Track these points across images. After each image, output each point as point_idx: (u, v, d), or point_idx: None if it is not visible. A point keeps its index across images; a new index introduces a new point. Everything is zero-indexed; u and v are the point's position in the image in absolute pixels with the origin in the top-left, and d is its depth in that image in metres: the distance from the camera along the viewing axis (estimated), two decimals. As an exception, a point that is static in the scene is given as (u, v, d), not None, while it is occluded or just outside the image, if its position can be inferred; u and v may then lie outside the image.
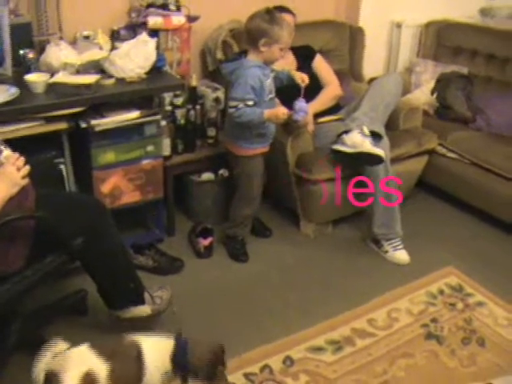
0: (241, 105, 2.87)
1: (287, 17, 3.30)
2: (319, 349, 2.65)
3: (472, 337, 2.77)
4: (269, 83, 2.97)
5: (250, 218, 3.34)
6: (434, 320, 2.87)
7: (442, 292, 3.07)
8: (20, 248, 2.15)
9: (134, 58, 2.89)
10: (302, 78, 3.03)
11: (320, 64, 3.60)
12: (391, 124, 3.50)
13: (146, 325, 2.64)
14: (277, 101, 3.17)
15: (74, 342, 2.50)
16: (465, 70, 4.26)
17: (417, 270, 3.22)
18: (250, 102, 2.87)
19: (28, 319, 2.53)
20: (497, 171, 3.53)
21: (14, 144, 2.30)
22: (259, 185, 3.20)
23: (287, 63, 3.27)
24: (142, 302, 2.61)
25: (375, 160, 3.10)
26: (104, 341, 2.22)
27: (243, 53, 3.03)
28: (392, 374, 2.54)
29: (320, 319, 2.83)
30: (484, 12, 4.83)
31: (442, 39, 4.50)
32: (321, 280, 3.15)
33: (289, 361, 2.57)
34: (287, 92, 3.11)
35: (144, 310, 2.61)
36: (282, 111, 2.89)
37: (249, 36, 2.93)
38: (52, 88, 2.75)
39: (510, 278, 3.19)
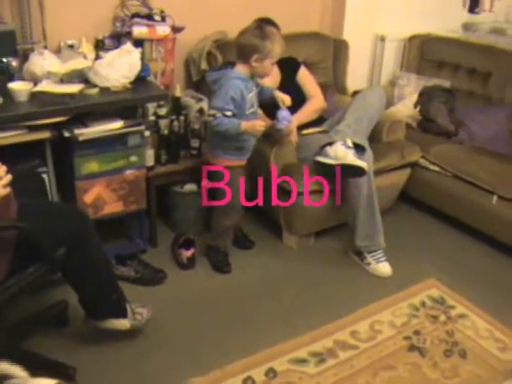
0: (219, 114, 2.87)
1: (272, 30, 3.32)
2: (302, 361, 2.64)
3: (454, 349, 2.77)
4: (251, 97, 2.97)
5: (231, 229, 3.33)
6: (416, 332, 2.87)
7: (424, 304, 3.07)
8: (1, 259, 2.12)
9: (119, 68, 2.88)
10: (283, 100, 3.05)
11: (304, 76, 3.62)
12: (374, 136, 3.51)
13: (125, 336, 2.65)
14: (260, 113, 3.18)
15: (56, 354, 2.52)
16: (447, 84, 4.31)
17: (399, 282, 3.23)
18: (229, 113, 2.87)
19: (8, 331, 2.51)
20: (479, 184, 3.54)
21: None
22: (238, 196, 3.19)
23: (272, 75, 3.26)
24: (122, 315, 2.59)
25: (358, 172, 3.11)
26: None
27: (230, 64, 3.03)
28: (375, 386, 2.54)
29: (303, 331, 2.82)
30: (466, 27, 4.89)
31: (425, 53, 4.54)
32: (303, 292, 3.14)
33: (271, 373, 2.56)
34: (270, 102, 3.12)
35: (123, 323, 2.60)
36: (259, 123, 2.89)
37: (240, 51, 2.92)
38: (35, 97, 2.73)
39: (492, 289, 3.21)
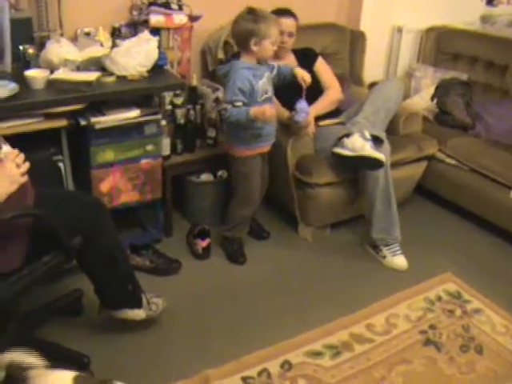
0: (229, 106, 2.87)
1: (288, 20, 3.30)
2: (317, 353, 2.63)
3: (470, 344, 2.76)
4: (262, 84, 2.94)
5: (247, 220, 3.32)
6: (432, 326, 2.85)
7: (440, 298, 3.05)
8: (18, 246, 2.12)
9: (136, 56, 2.86)
10: (304, 78, 3.01)
11: (322, 67, 3.59)
12: (391, 129, 3.48)
13: (140, 326, 2.64)
14: (276, 101, 3.15)
15: (70, 343, 2.52)
16: (464, 77, 4.27)
17: (415, 275, 3.21)
18: (239, 103, 2.86)
19: (23, 319, 2.50)
20: (495, 178, 3.52)
21: (13, 140, 2.28)
22: (257, 186, 3.18)
23: (289, 64, 3.24)
24: (138, 305, 2.58)
25: (376, 164, 3.09)
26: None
27: (236, 55, 3.02)
28: (390, 380, 2.52)
29: (318, 324, 2.80)
30: (484, 19, 4.85)
31: (442, 45, 4.51)
32: (319, 284, 3.13)
33: (287, 365, 2.55)
34: (288, 93, 3.10)
35: (139, 313, 2.59)
36: (268, 108, 2.85)
37: (238, 40, 2.95)
38: (52, 84, 2.71)
39: (508, 285, 3.18)
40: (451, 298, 3.06)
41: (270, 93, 3.02)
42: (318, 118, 3.42)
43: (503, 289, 3.14)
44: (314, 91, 3.44)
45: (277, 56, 3.28)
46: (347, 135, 3.13)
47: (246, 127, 2.96)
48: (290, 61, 3.44)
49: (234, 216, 3.27)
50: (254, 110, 2.83)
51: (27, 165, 2.07)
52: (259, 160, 3.13)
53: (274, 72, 3.05)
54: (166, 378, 2.44)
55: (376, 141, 3.15)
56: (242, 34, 2.89)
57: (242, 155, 3.09)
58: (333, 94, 3.58)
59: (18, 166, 2.05)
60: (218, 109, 3.34)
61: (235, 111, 2.87)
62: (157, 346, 2.62)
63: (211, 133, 3.38)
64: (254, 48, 2.88)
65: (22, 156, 2.08)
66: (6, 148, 2.14)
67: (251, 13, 2.88)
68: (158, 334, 2.69)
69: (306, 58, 3.53)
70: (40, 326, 2.64)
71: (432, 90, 4.10)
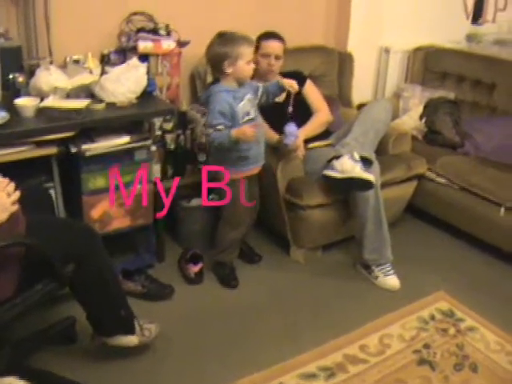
0: (211, 130, 2.87)
1: (275, 43, 3.33)
2: (312, 376, 2.62)
3: (464, 362, 2.75)
4: (242, 105, 2.93)
5: (236, 243, 3.31)
6: (426, 346, 2.85)
7: (433, 317, 3.06)
8: (10, 275, 2.11)
9: (125, 83, 2.88)
10: (291, 84, 3.01)
11: (310, 89, 3.62)
12: (380, 149, 3.51)
13: (133, 352, 2.63)
14: (265, 124, 3.15)
15: (63, 371, 2.50)
16: (452, 95, 4.31)
17: (408, 295, 3.21)
18: (220, 127, 2.85)
19: (16, 348, 2.49)
20: (485, 196, 3.54)
21: (4, 168, 2.28)
22: (245, 209, 3.17)
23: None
24: (131, 331, 2.57)
25: (366, 185, 3.10)
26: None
27: (217, 80, 3.02)
28: (385, 400, 2.52)
29: (312, 345, 2.80)
30: (470, 37, 4.90)
31: (429, 64, 4.56)
32: (312, 306, 3.13)
33: (281, 388, 2.55)
34: (277, 116, 3.11)
35: (132, 340, 2.58)
36: (248, 128, 2.82)
37: (212, 65, 2.97)
38: (42, 112, 2.72)
39: (501, 302, 3.19)
40: (444, 317, 3.06)
41: (253, 114, 3.00)
42: (307, 140, 3.44)
43: (496, 306, 3.14)
44: (304, 114, 3.47)
45: (265, 79, 3.30)
46: (337, 157, 3.15)
47: (231, 150, 2.95)
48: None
49: (222, 239, 3.27)
50: (234, 132, 2.83)
51: (18, 193, 2.07)
52: (247, 183, 3.12)
53: (260, 93, 3.05)
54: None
55: (366, 162, 3.16)
56: (215, 59, 2.90)
57: (232, 178, 3.09)
58: (322, 116, 3.61)
59: (8, 194, 2.05)
60: (204, 134, 3.36)
61: (218, 135, 2.86)
62: (151, 372, 2.61)
63: (201, 157, 3.39)
64: (229, 70, 2.88)
65: (12, 184, 2.08)
66: (-3, 177, 2.14)
67: (221, 36, 2.90)
68: (151, 360, 2.67)
69: (294, 80, 3.56)
70: (33, 354, 2.62)
71: (420, 109, 4.13)
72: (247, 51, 2.88)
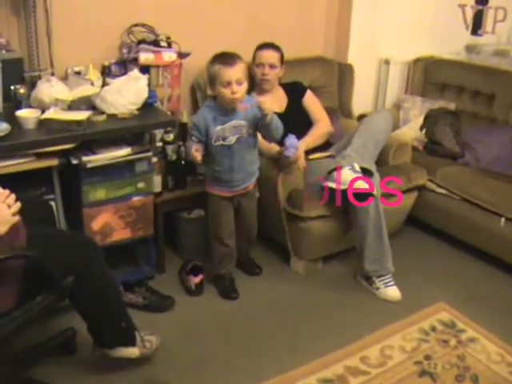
0: (187, 140, 2.96)
1: (268, 52, 3.34)
2: (313, 388, 2.63)
3: (466, 374, 2.74)
4: (220, 129, 2.89)
5: (228, 256, 3.29)
6: (427, 357, 2.84)
7: (434, 328, 3.05)
8: (10, 288, 2.11)
9: (126, 94, 2.89)
10: (264, 104, 2.85)
11: (310, 100, 3.63)
12: (381, 160, 3.52)
13: (134, 364, 2.63)
14: (261, 139, 3.13)
15: (63, 383, 2.50)
16: (452, 106, 4.32)
17: (408, 306, 3.21)
18: (193, 138, 2.91)
19: (16, 360, 2.49)
20: (486, 206, 3.54)
21: (4, 180, 2.28)
22: (226, 227, 3.17)
23: (278, 100, 3.27)
24: (132, 343, 2.57)
25: (366, 196, 3.10)
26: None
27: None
28: (386, 412, 2.52)
29: (312, 357, 2.79)
30: (469, 48, 4.91)
31: (429, 75, 4.57)
32: (312, 317, 3.12)
33: (282, 400, 2.54)
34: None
35: (133, 351, 2.58)
36: (194, 153, 2.82)
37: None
38: (43, 124, 2.73)
39: (502, 312, 3.18)
40: (445, 328, 3.06)
41: (230, 141, 2.91)
42: (308, 152, 3.45)
43: (497, 317, 3.14)
44: (304, 125, 3.48)
45: (264, 90, 3.32)
46: (337, 168, 3.15)
47: (206, 165, 3.02)
48: (279, 95, 3.48)
49: (213, 253, 3.28)
50: (193, 150, 2.83)
51: (18, 205, 2.07)
52: (227, 202, 3.12)
53: (250, 122, 2.93)
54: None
55: (366, 173, 3.16)
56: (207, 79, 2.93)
57: (209, 191, 3.13)
58: (322, 127, 3.62)
59: (9, 206, 2.05)
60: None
61: (189, 145, 2.91)
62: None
63: (202, 169, 3.39)
64: (209, 92, 2.91)
65: (13, 196, 2.08)
66: (-3, 189, 2.14)
67: (213, 57, 2.89)
68: (152, 372, 2.67)
69: (294, 91, 3.58)
70: (33, 366, 2.62)
71: (421, 120, 4.13)
72: (222, 72, 2.79)
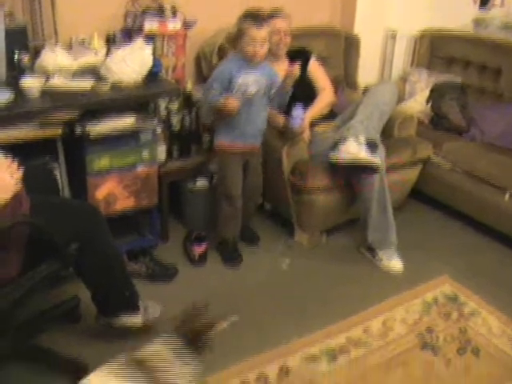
0: (206, 89, 2.99)
1: (277, 21, 3.31)
2: (315, 358, 2.63)
3: (467, 347, 2.76)
4: (243, 79, 2.95)
5: (234, 218, 3.31)
6: (429, 329, 2.86)
7: (436, 301, 3.06)
8: (14, 256, 2.11)
9: (130, 64, 2.87)
10: (292, 72, 3.06)
11: (315, 68, 3.59)
12: (386, 132, 3.49)
13: (137, 332, 2.63)
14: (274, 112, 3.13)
15: (68, 350, 2.51)
16: (458, 80, 4.28)
17: (411, 279, 3.22)
18: (214, 90, 2.94)
19: (21, 328, 2.49)
20: (490, 181, 3.53)
21: (8, 149, 2.27)
22: (235, 185, 3.19)
23: (283, 68, 3.24)
24: (135, 311, 2.58)
25: (371, 169, 3.10)
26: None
27: None
28: (388, 383, 2.53)
29: (315, 328, 2.81)
30: (477, 22, 4.86)
31: (435, 49, 4.52)
32: (315, 289, 3.14)
33: (284, 370, 2.55)
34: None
35: (136, 320, 2.59)
36: (231, 101, 2.90)
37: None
38: (47, 93, 2.72)
39: (505, 287, 3.19)
40: (448, 301, 3.07)
41: (253, 92, 2.99)
42: (313, 123, 3.43)
43: (500, 291, 3.15)
44: (308, 94, 3.46)
45: (273, 56, 3.29)
46: (342, 140, 3.14)
47: (219, 118, 3.05)
48: (284, 63, 3.43)
49: (219, 214, 3.29)
50: (222, 99, 2.91)
51: (20, 173, 2.07)
52: (238, 159, 3.15)
53: (274, 88, 3.08)
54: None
55: (371, 145, 3.15)
56: (234, 32, 2.98)
57: (220, 148, 3.14)
58: (326, 96, 3.59)
59: (11, 174, 2.05)
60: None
61: (209, 95, 2.97)
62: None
63: (206, 138, 3.39)
64: (237, 46, 2.95)
65: (15, 164, 2.08)
66: (-1, 157, 2.13)
67: (244, 13, 2.95)
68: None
69: (299, 58, 3.53)
70: (38, 334, 2.63)
71: (426, 93, 4.11)
72: (249, 32, 2.88)
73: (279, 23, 3.31)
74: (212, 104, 2.98)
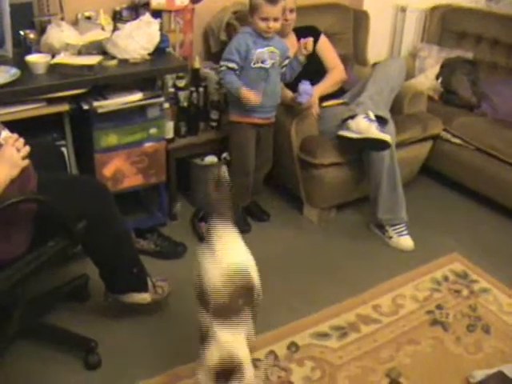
0: (223, 67, 3.01)
1: None
2: (324, 335, 2.63)
3: (477, 324, 2.75)
4: (259, 52, 3.01)
5: (245, 189, 3.31)
6: (439, 306, 2.85)
7: (446, 278, 3.05)
8: (22, 232, 2.11)
9: (137, 39, 2.85)
10: (305, 46, 3.07)
11: (325, 46, 3.56)
12: (396, 109, 3.46)
13: (146, 310, 2.64)
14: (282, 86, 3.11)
15: (77, 328, 2.52)
16: (470, 55, 4.23)
17: (421, 256, 3.20)
18: (231, 64, 3.00)
19: (29, 306, 2.49)
20: (501, 157, 3.50)
21: (15, 126, 2.26)
22: (250, 157, 3.21)
23: (291, 44, 3.21)
24: (143, 288, 2.58)
25: (381, 145, 3.07)
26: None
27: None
28: (398, 360, 2.52)
29: (324, 305, 2.80)
30: (489, -4, 4.79)
31: (446, 24, 4.46)
32: (325, 265, 3.12)
33: (294, 347, 2.55)
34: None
35: (144, 297, 2.59)
36: (254, 97, 2.96)
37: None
38: (53, 69, 2.71)
39: (515, 264, 3.18)
40: (458, 278, 3.05)
41: (269, 65, 3.03)
42: (322, 99, 3.41)
43: (510, 268, 3.13)
44: (318, 71, 3.43)
45: (280, 33, 3.25)
46: (352, 117, 3.11)
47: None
48: (292, 40, 3.39)
49: None
50: (244, 92, 2.94)
51: (27, 148, 2.05)
52: (253, 132, 3.17)
53: (286, 60, 3.13)
54: (172, 362, 2.44)
55: (381, 121, 3.12)
56: (249, 6, 3.03)
57: (235, 120, 3.16)
58: (336, 74, 3.56)
59: (18, 150, 2.04)
60: (222, 90, 3.36)
61: (232, 78, 3.00)
62: (162, 330, 2.62)
63: (214, 115, 3.37)
64: (249, 20, 3.01)
65: (21, 140, 2.07)
66: (5, 133, 2.12)
67: None
68: (164, 318, 2.69)
69: (308, 35, 3.49)
70: (46, 312, 2.64)
71: (437, 69, 4.06)
72: (263, 8, 2.93)
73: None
74: (232, 91, 3.01)
